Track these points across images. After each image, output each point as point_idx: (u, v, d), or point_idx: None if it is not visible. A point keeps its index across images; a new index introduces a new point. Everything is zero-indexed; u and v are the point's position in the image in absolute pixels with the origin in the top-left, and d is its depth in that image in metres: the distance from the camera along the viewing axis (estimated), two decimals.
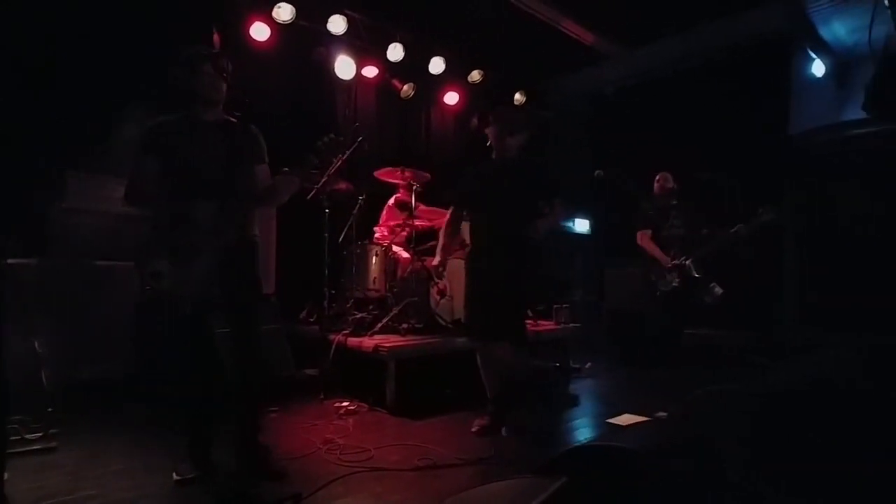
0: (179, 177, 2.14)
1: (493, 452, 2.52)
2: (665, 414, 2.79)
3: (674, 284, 4.18)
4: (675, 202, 4.46)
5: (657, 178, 4.59)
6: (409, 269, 4.07)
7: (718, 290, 3.98)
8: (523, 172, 2.92)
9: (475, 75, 5.67)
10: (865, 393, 2.24)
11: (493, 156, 2.99)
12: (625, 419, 3.04)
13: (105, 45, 3.54)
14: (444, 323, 3.87)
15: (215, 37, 4.06)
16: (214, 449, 2.27)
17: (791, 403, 2.13)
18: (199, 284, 2.10)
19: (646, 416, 2.97)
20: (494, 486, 1.42)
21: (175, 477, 2.13)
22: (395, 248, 4.25)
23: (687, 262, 4.10)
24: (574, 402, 3.66)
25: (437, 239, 4.24)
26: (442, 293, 3.88)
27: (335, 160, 2.51)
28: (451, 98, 5.82)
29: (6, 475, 1.73)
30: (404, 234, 4.26)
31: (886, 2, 3.47)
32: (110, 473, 2.21)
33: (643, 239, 4.47)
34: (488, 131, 2.98)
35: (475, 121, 6.04)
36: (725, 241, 4.10)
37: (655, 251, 4.37)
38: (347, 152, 3.97)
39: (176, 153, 2.15)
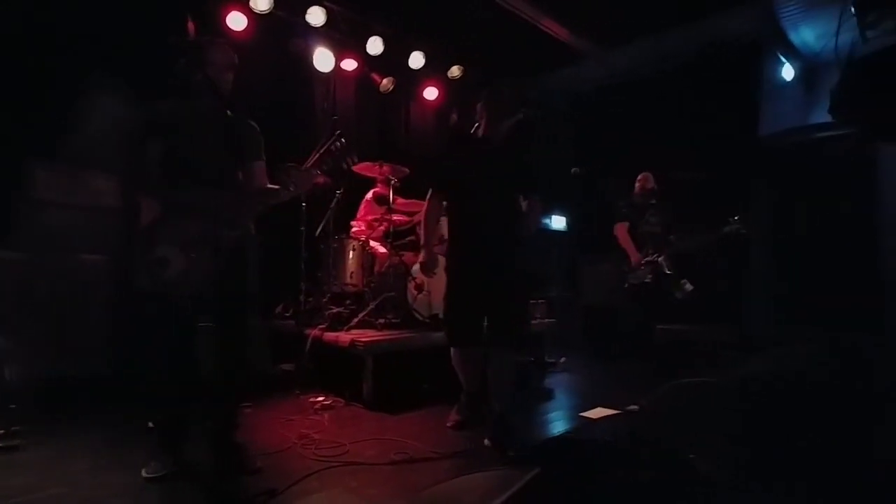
0: (184, 164, 2.09)
1: (470, 446, 2.55)
2: (636, 407, 2.86)
3: (646, 280, 4.28)
4: (653, 202, 4.57)
5: (639, 177, 4.70)
6: (386, 264, 4.07)
7: (689, 286, 4.09)
8: (511, 160, 2.67)
9: (455, 71, 5.67)
10: (824, 383, 2.35)
11: (480, 136, 2.72)
12: (597, 412, 3.11)
13: (75, 34, 3.43)
14: (421, 318, 3.88)
15: (189, 25, 3.96)
16: (188, 446, 2.24)
17: (753, 394, 2.22)
18: (200, 277, 2.04)
19: (618, 409, 3.04)
20: (470, 478, 1.45)
21: (144, 474, 2.09)
22: (372, 242, 4.24)
23: (659, 259, 4.20)
24: (549, 395, 3.71)
25: (415, 234, 4.26)
26: (419, 288, 3.89)
27: (344, 163, 2.46)
28: (431, 93, 5.81)
29: None
30: (382, 228, 4.25)
31: (852, 9, 3.59)
32: (79, 472, 2.16)
33: (621, 230, 4.57)
34: (480, 109, 2.71)
35: (454, 116, 6.04)
36: (692, 246, 4.25)
37: (629, 245, 4.46)
38: (325, 146, 3.94)
39: (179, 139, 2.11)
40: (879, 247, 5.23)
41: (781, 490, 1.77)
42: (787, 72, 5.43)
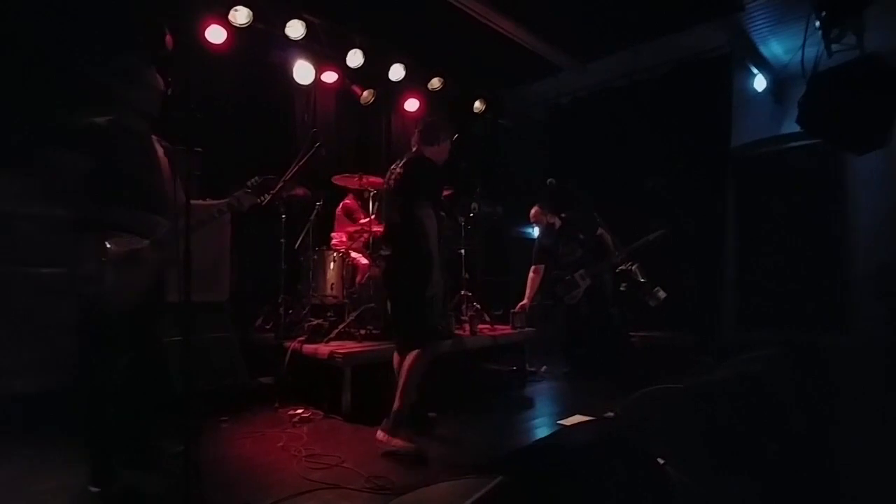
0: (124, 184, 2.11)
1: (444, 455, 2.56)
2: (612, 414, 2.89)
3: (577, 299, 4.46)
4: (559, 234, 4.67)
5: (531, 215, 4.79)
6: (367, 275, 4.07)
7: (662, 293, 4.17)
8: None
9: (435, 83, 5.73)
10: (785, 387, 2.41)
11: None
12: (575, 420, 3.14)
13: (50, 43, 3.40)
14: None
15: (167, 38, 3.97)
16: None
17: (717, 397, 2.27)
18: (142, 293, 2.11)
19: (595, 416, 3.07)
20: (436, 487, 1.46)
21: (93, 489, 2.06)
22: (353, 253, 4.24)
23: (633, 268, 4.28)
24: (529, 404, 3.74)
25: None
26: None
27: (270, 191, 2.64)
28: (412, 105, 5.86)
29: None
30: (363, 239, 4.26)
31: (817, 24, 3.73)
32: (45, 491, 2.12)
33: (531, 274, 4.72)
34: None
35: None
36: (616, 262, 4.43)
37: (530, 288, 4.65)
38: (305, 158, 3.96)
39: (110, 158, 2.11)
40: (850, 252, 5.39)
41: (739, 487, 1.82)
42: (759, 83, 5.60)
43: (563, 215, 4.70)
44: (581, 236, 4.52)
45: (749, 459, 1.98)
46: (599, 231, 4.54)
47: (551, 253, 4.64)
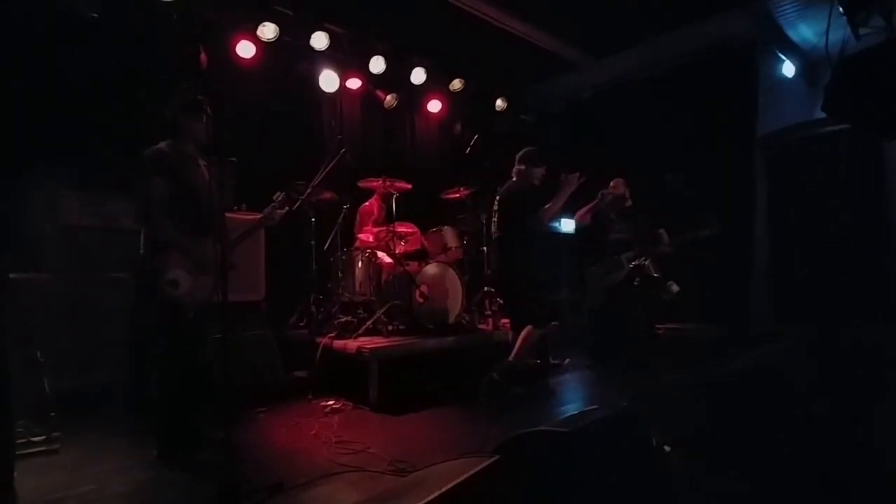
0: (185, 203, 2.48)
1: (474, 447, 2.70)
2: (625, 405, 2.96)
3: (615, 282, 4.46)
4: (623, 208, 4.65)
5: (611, 183, 4.74)
6: (392, 274, 4.26)
7: (675, 287, 4.16)
8: None
9: (456, 84, 5.85)
10: (796, 380, 2.44)
11: None
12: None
13: (97, 64, 3.72)
14: (426, 324, 4.04)
15: (202, 56, 4.24)
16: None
17: (728, 390, 2.33)
18: (203, 296, 2.50)
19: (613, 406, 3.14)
20: (437, 467, 1.61)
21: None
22: (379, 253, 4.43)
23: (646, 262, 4.29)
24: (552, 396, 3.83)
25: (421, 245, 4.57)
26: (424, 296, 4.06)
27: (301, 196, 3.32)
28: (435, 106, 6.00)
29: (15, 474, 1.92)
30: (387, 239, 4.44)
31: (841, 9, 3.67)
32: (108, 470, 2.40)
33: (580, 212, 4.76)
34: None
35: (458, 127, 6.23)
36: (664, 251, 4.42)
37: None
38: (331, 164, 4.17)
39: (178, 180, 2.48)
40: (890, 240, 5.19)
41: (736, 478, 1.88)
42: (788, 69, 5.45)
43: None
44: (642, 221, 4.54)
45: (755, 450, 2.04)
46: (661, 230, 4.53)
47: (607, 220, 4.67)
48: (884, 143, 5.10)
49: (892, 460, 2.04)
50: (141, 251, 2.56)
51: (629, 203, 4.67)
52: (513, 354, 3.59)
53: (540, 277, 3.90)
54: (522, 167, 3.82)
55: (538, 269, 3.88)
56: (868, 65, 3.29)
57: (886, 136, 4.49)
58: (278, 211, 2.86)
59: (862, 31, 3.44)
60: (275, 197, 2.86)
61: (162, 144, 2.54)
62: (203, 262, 2.49)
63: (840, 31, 3.41)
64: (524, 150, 3.90)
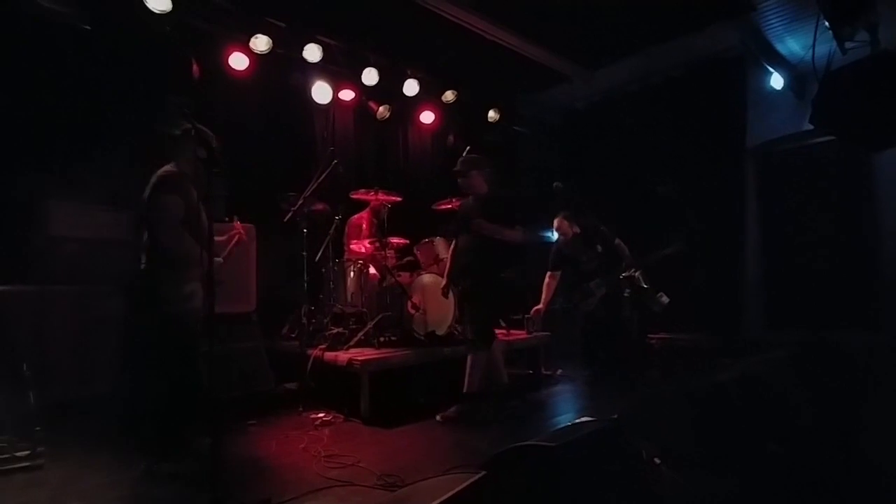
0: (191, 219, 2.58)
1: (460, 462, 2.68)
2: (616, 416, 2.96)
3: (592, 306, 4.49)
4: (580, 243, 4.64)
5: (554, 225, 4.74)
6: (384, 285, 4.25)
7: (665, 298, 4.19)
8: None
9: (449, 95, 5.88)
10: (789, 386, 2.45)
11: None
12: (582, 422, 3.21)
13: (88, 75, 3.72)
14: (417, 336, 4.03)
15: (195, 67, 4.25)
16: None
17: (714, 398, 2.33)
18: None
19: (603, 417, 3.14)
20: (425, 483, 1.60)
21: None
22: (370, 264, 4.43)
23: (636, 274, 4.31)
24: (542, 407, 3.82)
25: (413, 256, 4.54)
26: (416, 307, 4.06)
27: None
28: (427, 117, 6.03)
29: None
30: (376, 252, 4.43)
31: (826, 23, 3.72)
32: (93, 486, 2.36)
33: (549, 278, 4.68)
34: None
35: (451, 138, 6.26)
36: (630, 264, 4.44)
37: (548, 292, 4.62)
38: (323, 175, 4.18)
39: (187, 201, 2.58)
40: (880, 249, 5.25)
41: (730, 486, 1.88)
42: (777, 81, 5.53)
43: (581, 224, 4.73)
44: (599, 248, 4.55)
45: (742, 459, 2.04)
46: (616, 241, 4.55)
47: (571, 261, 4.67)
48: (870, 155, 5.16)
49: (878, 466, 2.05)
50: (142, 265, 2.58)
51: (577, 230, 4.65)
52: (465, 387, 3.42)
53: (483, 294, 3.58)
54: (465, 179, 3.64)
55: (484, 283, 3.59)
56: (854, 78, 3.36)
57: (872, 148, 4.55)
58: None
59: (848, 45, 3.50)
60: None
61: (169, 166, 2.65)
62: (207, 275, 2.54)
63: (826, 45, 3.48)
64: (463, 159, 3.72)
